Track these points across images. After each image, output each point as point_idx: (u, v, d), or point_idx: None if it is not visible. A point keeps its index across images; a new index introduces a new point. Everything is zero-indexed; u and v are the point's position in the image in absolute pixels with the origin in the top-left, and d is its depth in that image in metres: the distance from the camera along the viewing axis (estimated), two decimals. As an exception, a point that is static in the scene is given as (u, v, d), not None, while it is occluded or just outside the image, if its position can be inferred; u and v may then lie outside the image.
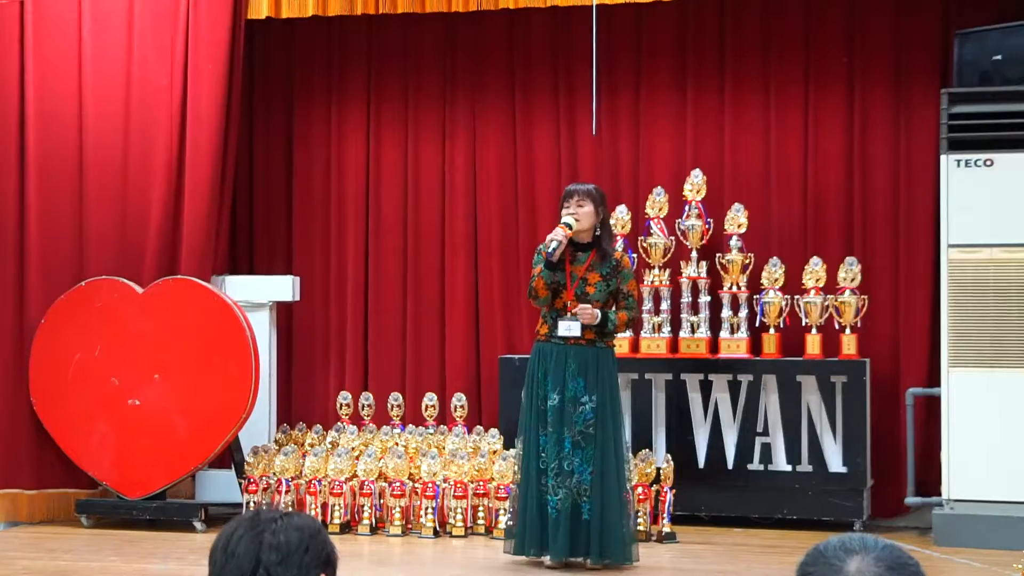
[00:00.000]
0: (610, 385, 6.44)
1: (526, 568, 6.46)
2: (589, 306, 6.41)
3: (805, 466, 7.47)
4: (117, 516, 7.76)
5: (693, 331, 7.81)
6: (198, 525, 7.54)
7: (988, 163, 7.04)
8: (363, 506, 7.44)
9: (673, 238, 7.89)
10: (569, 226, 6.44)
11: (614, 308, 6.52)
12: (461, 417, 7.94)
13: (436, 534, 7.29)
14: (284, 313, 8.48)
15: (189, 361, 7.58)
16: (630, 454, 7.29)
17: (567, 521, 6.32)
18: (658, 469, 7.24)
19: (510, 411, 7.33)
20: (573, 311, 6.41)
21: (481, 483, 7.34)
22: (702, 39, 8.14)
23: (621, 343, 7.70)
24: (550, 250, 6.37)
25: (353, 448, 7.68)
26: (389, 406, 8.12)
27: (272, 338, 8.13)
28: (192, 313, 7.64)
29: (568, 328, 6.42)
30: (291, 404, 8.61)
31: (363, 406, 8.18)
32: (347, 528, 7.41)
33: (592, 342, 6.45)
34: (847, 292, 7.60)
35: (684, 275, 7.83)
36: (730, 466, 7.56)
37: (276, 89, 8.83)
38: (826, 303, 7.61)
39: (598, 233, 6.53)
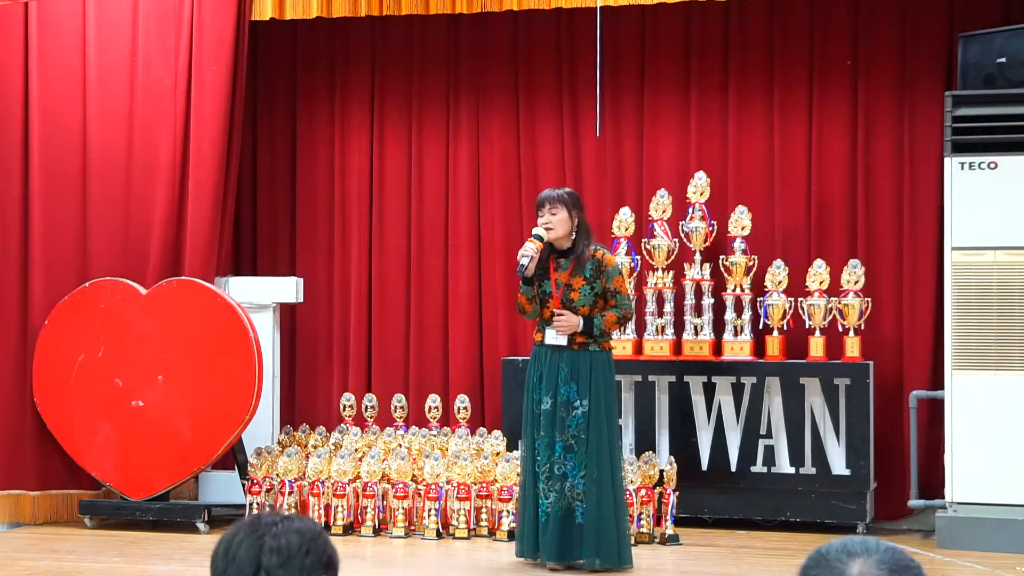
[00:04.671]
0: (604, 389, 6.42)
1: (529, 570, 6.46)
2: (565, 315, 6.39)
3: (808, 468, 7.46)
4: (120, 517, 7.76)
5: (696, 333, 7.81)
6: (201, 526, 7.54)
7: (992, 166, 7.04)
8: (366, 508, 7.44)
9: (677, 240, 7.89)
10: (540, 238, 6.42)
11: (600, 313, 6.47)
12: (464, 419, 7.94)
13: (439, 536, 7.29)
14: (288, 314, 8.48)
15: (192, 362, 7.58)
16: (633, 456, 7.32)
17: (557, 524, 6.32)
18: (661, 471, 7.24)
19: (513, 413, 7.33)
20: (555, 329, 6.40)
21: (484, 485, 7.34)
22: (706, 41, 8.14)
23: (624, 345, 7.71)
24: (522, 265, 6.36)
25: (356, 450, 7.69)
26: (392, 408, 8.12)
27: (275, 339, 8.13)
28: (196, 314, 7.65)
29: (555, 337, 6.43)
30: (294, 405, 8.62)
31: (366, 407, 8.18)
32: (350, 530, 7.42)
33: (585, 346, 6.44)
34: (851, 294, 7.59)
35: (687, 277, 7.83)
36: (733, 468, 7.56)
37: (280, 90, 8.83)
38: (830, 305, 7.60)
39: (574, 238, 6.52)
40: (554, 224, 6.45)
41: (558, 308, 6.42)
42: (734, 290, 7.76)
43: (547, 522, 6.34)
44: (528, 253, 6.38)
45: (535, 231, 6.46)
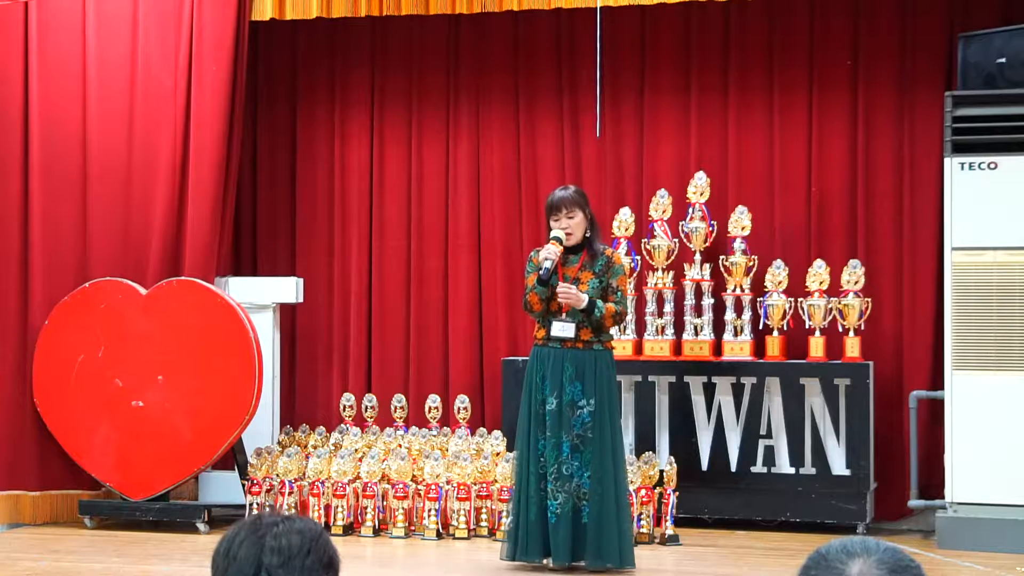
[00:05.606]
0: (608, 388, 6.42)
1: (528, 571, 6.45)
2: (572, 287, 6.39)
3: (808, 469, 7.46)
4: (120, 517, 7.76)
5: (696, 333, 7.81)
6: (201, 527, 7.54)
7: (992, 166, 7.04)
8: (366, 508, 7.44)
9: (677, 240, 7.88)
10: (560, 240, 6.43)
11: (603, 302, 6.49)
12: (464, 419, 7.94)
13: (439, 536, 7.29)
14: (287, 315, 8.48)
15: (192, 363, 7.58)
16: (633, 456, 7.32)
17: (568, 525, 6.31)
18: (661, 471, 7.24)
19: (513, 413, 7.31)
20: (558, 298, 6.36)
21: (484, 485, 7.34)
22: (706, 41, 8.14)
23: (624, 345, 7.71)
24: (545, 269, 6.35)
25: (356, 450, 7.69)
26: (392, 408, 8.12)
27: (275, 340, 8.13)
28: (195, 315, 7.65)
29: (562, 328, 6.41)
30: (294, 406, 8.61)
31: (366, 408, 8.18)
32: (350, 530, 7.42)
33: (589, 344, 6.42)
34: (851, 295, 7.59)
35: (687, 277, 7.83)
36: (733, 468, 7.56)
37: (280, 90, 8.83)
38: (829, 306, 7.60)
39: (588, 235, 6.52)
40: (573, 228, 6.45)
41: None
42: (734, 290, 7.76)
43: (557, 523, 6.32)
44: (551, 257, 6.38)
45: (554, 234, 6.45)
